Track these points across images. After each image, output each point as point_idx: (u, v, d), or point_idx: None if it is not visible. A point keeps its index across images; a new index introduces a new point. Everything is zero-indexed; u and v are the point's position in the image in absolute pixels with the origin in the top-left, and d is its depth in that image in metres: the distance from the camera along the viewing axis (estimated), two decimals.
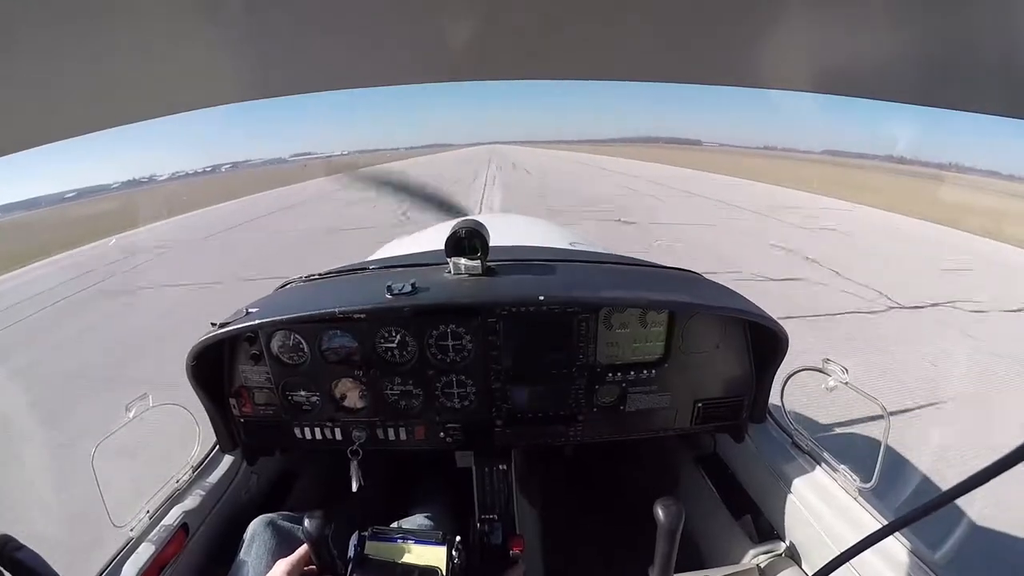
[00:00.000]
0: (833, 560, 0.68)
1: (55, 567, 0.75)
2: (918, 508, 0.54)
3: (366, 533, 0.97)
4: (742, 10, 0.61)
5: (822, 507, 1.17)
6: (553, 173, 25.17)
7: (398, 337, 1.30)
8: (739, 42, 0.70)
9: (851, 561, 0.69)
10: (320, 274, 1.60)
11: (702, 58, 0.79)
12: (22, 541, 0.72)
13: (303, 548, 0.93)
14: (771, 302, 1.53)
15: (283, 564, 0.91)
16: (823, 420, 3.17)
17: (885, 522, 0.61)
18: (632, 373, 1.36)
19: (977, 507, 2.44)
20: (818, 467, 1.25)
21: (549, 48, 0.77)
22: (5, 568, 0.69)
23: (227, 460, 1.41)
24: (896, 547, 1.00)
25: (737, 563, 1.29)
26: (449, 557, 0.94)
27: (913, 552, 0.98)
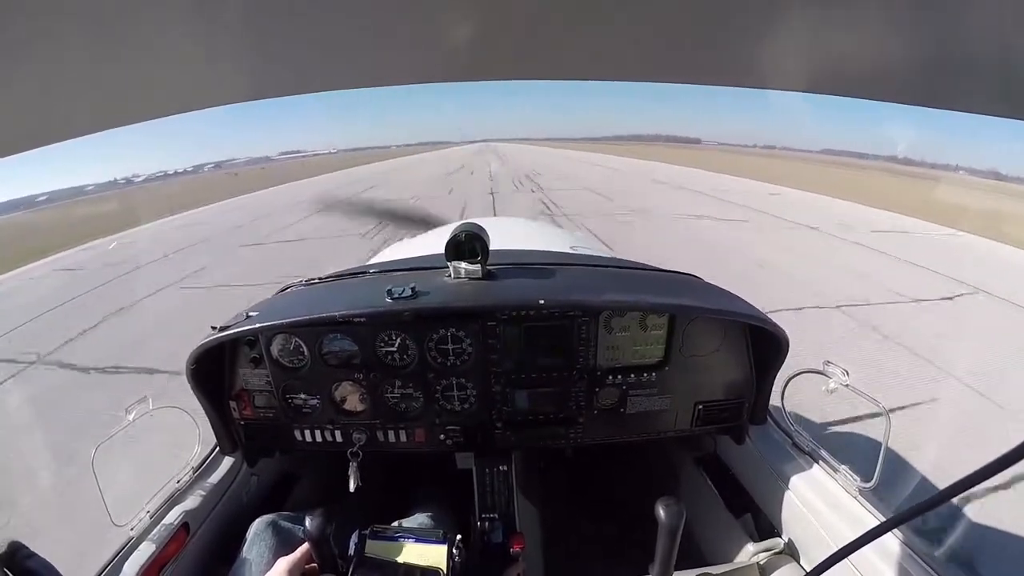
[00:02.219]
0: (831, 556, 0.68)
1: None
2: (916, 505, 0.54)
3: (366, 532, 0.98)
4: (741, 11, 0.61)
5: (822, 506, 1.17)
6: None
7: (398, 341, 1.30)
8: (738, 43, 0.70)
9: (850, 557, 0.69)
10: (320, 278, 1.60)
11: (701, 59, 0.79)
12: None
13: (304, 547, 0.94)
14: None
15: (284, 562, 0.91)
16: (825, 422, 3.17)
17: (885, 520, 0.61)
18: (632, 376, 1.37)
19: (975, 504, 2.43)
20: (819, 467, 1.26)
21: (546, 49, 0.78)
22: None
23: (227, 461, 1.42)
24: (894, 544, 1.00)
25: (737, 561, 1.29)
26: (450, 556, 0.95)
27: (911, 548, 0.99)
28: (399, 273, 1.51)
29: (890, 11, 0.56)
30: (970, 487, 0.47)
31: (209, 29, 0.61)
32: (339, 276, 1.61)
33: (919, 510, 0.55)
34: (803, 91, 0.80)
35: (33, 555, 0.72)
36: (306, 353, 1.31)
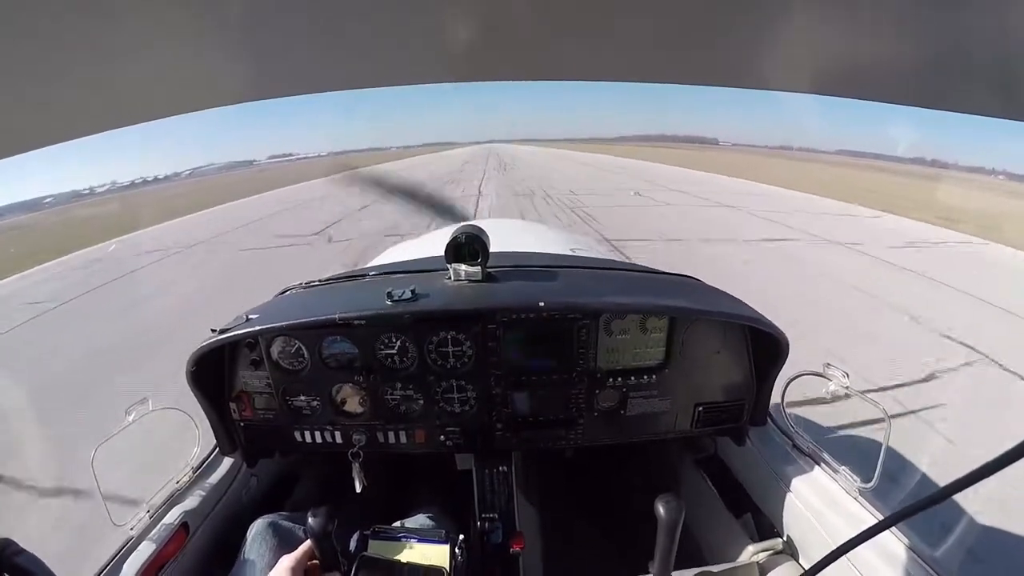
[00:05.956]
0: (829, 554, 0.68)
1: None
2: (915, 503, 0.55)
3: (368, 532, 0.98)
4: (749, 14, 0.61)
5: (822, 506, 1.18)
6: None
7: (398, 343, 1.30)
8: (747, 45, 0.70)
9: (848, 556, 0.69)
10: (320, 280, 1.60)
11: (710, 60, 0.80)
12: None
13: (306, 544, 0.94)
14: None
15: (287, 560, 0.92)
16: (825, 421, 3.18)
17: (883, 518, 0.62)
18: (632, 378, 1.37)
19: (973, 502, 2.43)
20: (819, 468, 1.26)
21: (554, 49, 0.78)
22: (6, 572, 0.70)
23: (227, 462, 1.42)
24: (892, 542, 1.01)
25: (737, 561, 1.29)
26: (452, 556, 0.95)
27: (909, 547, 0.99)
28: (399, 275, 1.51)
29: (915, 14, 0.56)
30: (968, 486, 0.47)
31: (209, 28, 0.61)
32: (339, 279, 1.61)
33: (916, 508, 0.55)
34: (816, 93, 0.80)
35: (23, 551, 0.72)
36: (306, 356, 1.31)
